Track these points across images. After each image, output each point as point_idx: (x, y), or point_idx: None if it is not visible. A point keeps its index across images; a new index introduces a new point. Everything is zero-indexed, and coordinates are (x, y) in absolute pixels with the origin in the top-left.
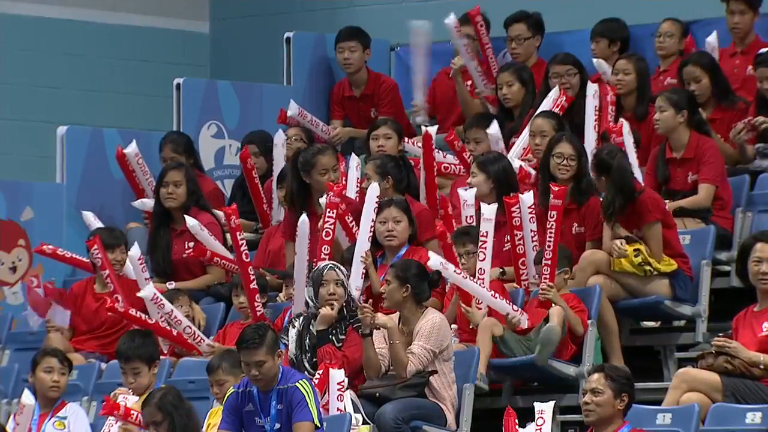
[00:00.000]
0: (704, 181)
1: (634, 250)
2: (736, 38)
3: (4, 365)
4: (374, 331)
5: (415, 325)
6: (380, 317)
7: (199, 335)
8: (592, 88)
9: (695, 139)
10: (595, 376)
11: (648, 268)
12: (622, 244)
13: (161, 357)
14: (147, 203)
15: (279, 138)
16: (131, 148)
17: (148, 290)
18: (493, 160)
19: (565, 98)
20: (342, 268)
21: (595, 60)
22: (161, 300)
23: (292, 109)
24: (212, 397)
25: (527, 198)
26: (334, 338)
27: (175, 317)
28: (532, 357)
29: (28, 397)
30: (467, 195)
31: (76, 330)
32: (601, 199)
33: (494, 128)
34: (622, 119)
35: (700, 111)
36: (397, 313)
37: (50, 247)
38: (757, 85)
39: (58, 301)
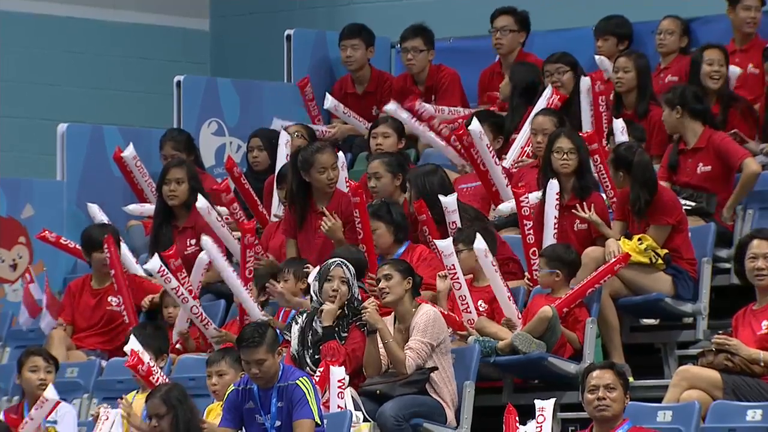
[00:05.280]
0: (742, 157)
1: (638, 239)
2: (743, 34)
3: (5, 363)
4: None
5: (411, 321)
6: (371, 315)
7: (206, 318)
8: (585, 84)
9: (708, 132)
10: (608, 373)
11: (652, 254)
12: (618, 248)
13: None
14: (136, 209)
15: (283, 137)
16: (128, 152)
17: (154, 263)
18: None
19: (558, 97)
20: (350, 266)
21: (597, 57)
22: (168, 274)
23: (329, 102)
24: (212, 396)
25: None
26: (336, 336)
27: (182, 294)
28: (535, 354)
29: (52, 392)
30: (448, 201)
31: (75, 327)
32: (603, 196)
33: (475, 124)
34: None
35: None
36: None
37: (53, 234)
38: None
39: (50, 310)
